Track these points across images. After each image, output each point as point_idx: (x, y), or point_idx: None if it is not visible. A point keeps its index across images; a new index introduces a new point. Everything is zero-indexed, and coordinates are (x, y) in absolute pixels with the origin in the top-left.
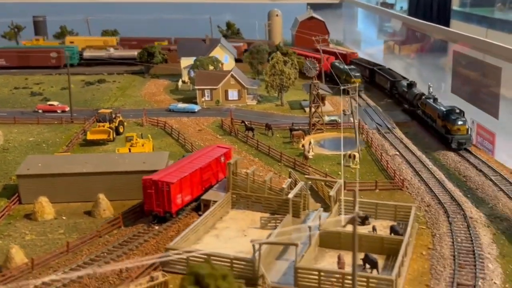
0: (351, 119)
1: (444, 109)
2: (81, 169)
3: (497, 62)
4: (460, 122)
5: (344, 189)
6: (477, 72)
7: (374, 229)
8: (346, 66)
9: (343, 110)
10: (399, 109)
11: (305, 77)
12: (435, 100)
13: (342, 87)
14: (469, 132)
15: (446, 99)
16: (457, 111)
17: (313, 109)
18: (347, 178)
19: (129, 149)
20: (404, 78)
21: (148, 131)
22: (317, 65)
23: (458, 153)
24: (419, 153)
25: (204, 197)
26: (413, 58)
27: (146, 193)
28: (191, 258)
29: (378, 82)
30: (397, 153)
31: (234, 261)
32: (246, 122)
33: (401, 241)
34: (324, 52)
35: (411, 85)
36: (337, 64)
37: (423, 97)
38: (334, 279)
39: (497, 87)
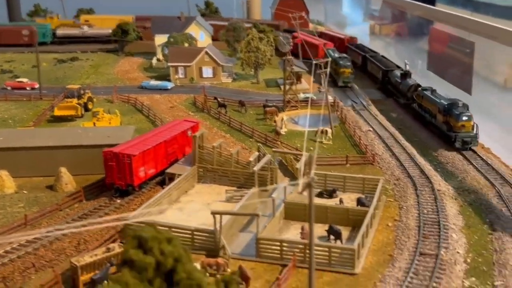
0: (328, 96)
1: (445, 102)
2: (43, 143)
3: (470, 37)
4: (465, 118)
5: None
6: (451, 48)
7: (341, 201)
8: (337, 54)
9: (318, 87)
10: (375, 87)
11: (283, 55)
12: (433, 91)
13: (314, 62)
14: (475, 129)
15: (423, 77)
16: (460, 104)
17: (287, 86)
18: (318, 154)
19: (94, 123)
20: (398, 67)
21: (118, 108)
22: (291, 40)
23: (430, 129)
24: (392, 129)
25: (169, 170)
26: (392, 38)
27: (107, 166)
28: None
29: (370, 70)
30: (371, 129)
31: (195, 232)
32: (219, 99)
33: (366, 212)
34: (323, 36)
35: (405, 75)
36: (330, 52)
37: (420, 88)
38: (298, 250)
39: (470, 63)
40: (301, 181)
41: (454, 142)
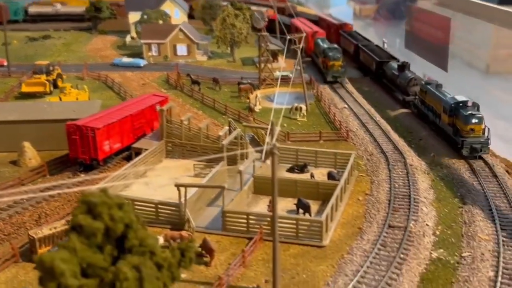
0: (304, 75)
1: (451, 101)
2: (6, 117)
3: (446, 13)
4: (474, 120)
5: (288, 139)
6: (428, 25)
7: (312, 176)
8: (326, 45)
9: (295, 66)
10: (352, 66)
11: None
12: (438, 86)
13: (288, 37)
14: (486, 133)
15: (401, 55)
16: (470, 103)
17: (263, 64)
18: (292, 130)
19: (60, 98)
20: (394, 58)
21: (89, 85)
22: (266, 15)
23: (406, 106)
24: (368, 106)
25: (136, 145)
26: (372, 18)
27: (70, 140)
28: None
29: (363, 61)
30: (346, 106)
31: (159, 206)
32: (192, 76)
33: (336, 186)
34: (316, 22)
35: (403, 66)
36: (320, 41)
37: (423, 82)
38: (264, 223)
39: (446, 39)
40: (264, 149)
41: (461, 148)
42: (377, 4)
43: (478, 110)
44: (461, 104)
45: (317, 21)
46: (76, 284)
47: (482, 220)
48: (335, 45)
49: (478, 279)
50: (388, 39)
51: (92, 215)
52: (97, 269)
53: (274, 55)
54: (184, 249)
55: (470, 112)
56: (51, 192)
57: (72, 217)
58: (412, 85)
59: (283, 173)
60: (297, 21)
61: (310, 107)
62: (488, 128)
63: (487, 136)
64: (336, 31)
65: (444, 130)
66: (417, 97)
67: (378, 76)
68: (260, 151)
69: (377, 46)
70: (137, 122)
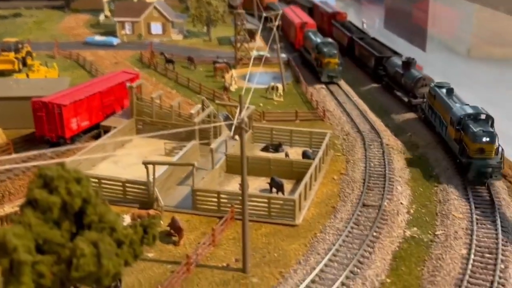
0: (282, 55)
1: (460, 112)
2: None
3: None
4: (486, 139)
5: (263, 119)
6: (407, 5)
7: (286, 155)
8: (319, 39)
9: (274, 46)
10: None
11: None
12: (449, 91)
13: (264, 15)
14: (500, 154)
15: (380, 36)
16: (483, 116)
17: (239, 44)
18: (268, 110)
19: (27, 75)
20: (395, 52)
21: (60, 63)
22: None
23: (384, 87)
24: (346, 86)
25: (104, 123)
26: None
27: (36, 117)
28: None
29: (359, 56)
30: (323, 86)
31: (126, 184)
32: (166, 55)
33: (311, 164)
34: (310, 9)
35: (409, 64)
36: (311, 35)
37: (433, 84)
38: (236, 202)
39: (424, 19)
40: (234, 124)
41: (467, 171)
42: None
43: (492, 125)
44: (471, 117)
45: (312, 8)
46: (30, 260)
47: (456, 199)
48: (330, 39)
49: (450, 256)
50: (367, 19)
51: (49, 189)
52: (54, 245)
53: (251, 34)
54: (147, 226)
55: (481, 128)
56: (15, 165)
57: (28, 191)
58: (420, 85)
59: (257, 152)
60: (288, 10)
61: (287, 87)
62: (503, 149)
63: (501, 159)
64: (329, 21)
65: (450, 147)
66: (425, 100)
67: (377, 73)
68: (230, 126)
69: (374, 39)
70: (106, 100)
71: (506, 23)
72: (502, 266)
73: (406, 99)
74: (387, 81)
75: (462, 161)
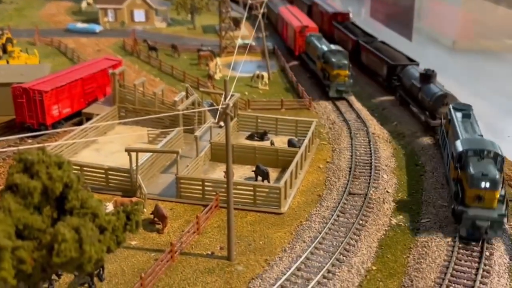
0: (267, 44)
1: (462, 147)
2: None
3: None
4: (486, 184)
5: (249, 107)
6: None
7: (272, 143)
8: (325, 46)
9: (259, 34)
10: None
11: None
12: (466, 116)
13: (250, 1)
14: (504, 207)
15: (366, 25)
16: (490, 153)
17: (224, 32)
18: (253, 98)
19: (7, 61)
20: (412, 60)
21: (41, 51)
22: None
23: (370, 76)
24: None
25: (86, 110)
26: None
27: (16, 103)
28: None
29: (367, 63)
30: (309, 75)
31: (109, 172)
32: (149, 42)
33: (296, 153)
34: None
35: (428, 76)
36: (314, 40)
37: (451, 106)
38: (222, 189)
39: (411, 8)
40: (219, 110)
41: (459, 222)
42: None
43: (497, 167)
44: (473, 154)
45: (310, 6)
46: (10, 245)
47: (441, 187)
48: (339, 47)
49: (436, 244)
50: (353, 8)
51: (29, 174)
52: (35, 230)
53: (236, 22)
54: (130, 213)
55: (481, 170)
56: None
57: (8, 176)
58: (441, 105)
59: (242, 141)
60: (285, 10)
61: (272, 76)
62: (507, 200)
63: (504, 211)
64: (329, 22)
65: (448, 189)
66: (443, 121)
67: (391, 85)
68: (215, 113)
69: (383, 42)
70: (88, 87)
71: (492, 15)
72: (487, 253)
73: (423, 118)
74: (402, 94)
75: (455, 209)
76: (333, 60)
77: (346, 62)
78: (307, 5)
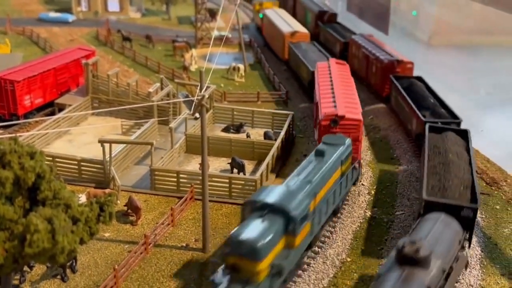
0: (244, 36)
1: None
2: None
3: None
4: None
5: (224, 99)
6: None
7: (248, 136)
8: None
9: (234, 25)
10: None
11: None
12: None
13: None
14: None
15: (344, 19)
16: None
17: (200, 23)
18: (229, 91)
19: None
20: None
21: (12, 40)
22: None
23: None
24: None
25: (59, 101)
26: None
27: None
28: None
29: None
30: (286, 68)
31: (82, 163)
32: (123, 32)
33: (273, 145)
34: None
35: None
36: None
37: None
38: (198, 181)
39: (387, 2)
40: (194, 102)
41: None
42: None
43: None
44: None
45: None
46: None
47: (416, 181)
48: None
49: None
50: (330, 1)
51: (1, 163)
52: (6, 221)
53: (212, 13)
54: (103, 204)
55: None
56: None
57: None
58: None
59: (218, 133)
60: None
61: (248, 68)
62: None
63: None
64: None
65: None
66: None
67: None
68: (190, 104)
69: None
70: (61, 77)
71: (467, 10)
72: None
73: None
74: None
75: None
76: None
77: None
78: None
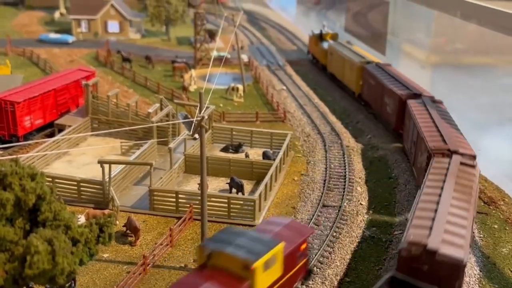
0: (242, 56)
1: None
2: None
3: None
4: None
5: (223, 119)
6: (367, 8)
7: (246, 155)
8: None
9: (232, 45)
10: (292, 49)
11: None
12: None
13: (225, 15)
14: None
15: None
16: None
17: (199, 44)
18: (228, 111)
19: None
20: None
21: (12, 61)
22: None
23: (345, 90)
24: (307, 88)
25: (59, 121)
26: (314, 2)
27: None
28: None
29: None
30: (284, 88)
31: (81, 183)
32: (123, 53)
33: (271, 165)
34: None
35: None
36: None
37: None
38: (195, 202)
39: (384, 23)
40: (194, 123)
41: None
42: None
43: None
44: None
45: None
46: None
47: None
48: None
49: None
50: (328, 22)
51: (2, 185)
52: (7, 242)
53: (211, 34)
54: (103, 225)
55: None
56: None
57: None
58: None
59: (217, 153)
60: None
61: (247, 89)
62: None
63: None
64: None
65: None
66: None
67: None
68: (189, 125)
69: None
70: (61, 98)
71: (463, 30)
72: None
73: None
74: None
75: None
76: None
77: None
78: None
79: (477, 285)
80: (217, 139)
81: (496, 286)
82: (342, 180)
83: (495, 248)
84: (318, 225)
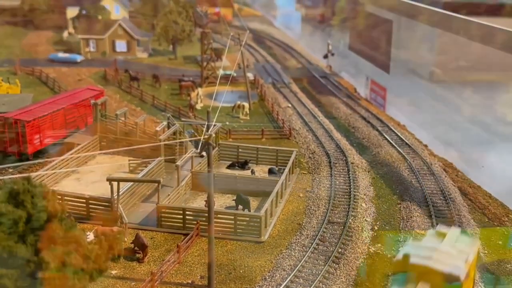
0: (248, 74)
1: None
2: None
3: (388, 15)
4: None
5: (229, 137)
6: (371, 27)
7: (252, 172)
8: None
9: (238, 64)
10: (297, 67)
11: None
12: None
13: (231, 34)
14: None
15: (345, 57)
16: None
17: (205, 62)
18: (234, 128)
19: None
20: None
21: (22, 80)
22: (208, 13)
23: (350, 106)
24: (312, 106)
25: (68, 140)
26: (318, 21)
27: None
28: None
29: None
30: (290, 105)
31: (90, 201)
32: (131, 72)
33: (277, 182)
34: None
35: None
36: None
37: None
38: (201, 218)
39: (388, 41)
40: (201, 141)
41: None
42: (324, 7)
43: None
44: None
45: None
46: None
47: (419, 216)
48: None
49: None
50: (332, 40)
51: (14, 203)
52: (19, 259)
53: (218, 53)
54: (112, 242)
55: None
56: None
57: None
58: None
59: (223, 170)
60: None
61: (253, 106)
62: None
63: None
64: None
65: None
66: None
67: None
68: (196, 143)
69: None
70: (70, 116)
71: (467, 48)
72: None
73: None
74: None
75: None
76: None
77: None
78: None
79: None
80: (224, 157)
81: None
82: (347, 196)
83: (499, 264)
84: (323, 241)
